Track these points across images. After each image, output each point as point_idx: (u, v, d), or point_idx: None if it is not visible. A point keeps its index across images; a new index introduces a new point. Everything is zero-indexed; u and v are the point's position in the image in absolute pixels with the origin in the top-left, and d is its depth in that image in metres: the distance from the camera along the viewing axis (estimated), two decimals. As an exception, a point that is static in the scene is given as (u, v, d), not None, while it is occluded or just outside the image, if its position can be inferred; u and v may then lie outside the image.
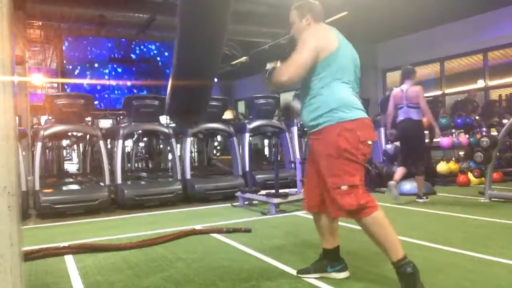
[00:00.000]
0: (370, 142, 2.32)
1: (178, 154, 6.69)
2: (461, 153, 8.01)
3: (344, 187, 2.25)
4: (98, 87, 13.01)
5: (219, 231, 3.91)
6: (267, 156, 10.77)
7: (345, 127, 2.26)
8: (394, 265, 2.21)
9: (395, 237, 2.22)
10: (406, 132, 5.36)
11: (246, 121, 7.32)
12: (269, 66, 2.42)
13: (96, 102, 12.08)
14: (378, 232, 2.23)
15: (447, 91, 10.94)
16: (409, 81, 5.37)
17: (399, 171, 5.40)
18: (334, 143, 2.27)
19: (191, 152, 8.95)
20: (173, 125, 7.38)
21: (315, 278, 2.53)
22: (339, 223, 2.63)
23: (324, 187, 2.37)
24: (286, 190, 5.52)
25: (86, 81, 12.52)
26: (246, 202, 5.67)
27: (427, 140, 6.34)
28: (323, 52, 2.29)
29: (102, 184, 5.96)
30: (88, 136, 8.24)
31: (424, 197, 5.45)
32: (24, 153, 6.75)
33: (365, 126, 2.31)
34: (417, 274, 2.16)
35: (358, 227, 2.39)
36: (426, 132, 6.03)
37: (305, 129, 8.75)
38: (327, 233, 2.54)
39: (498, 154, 5.56)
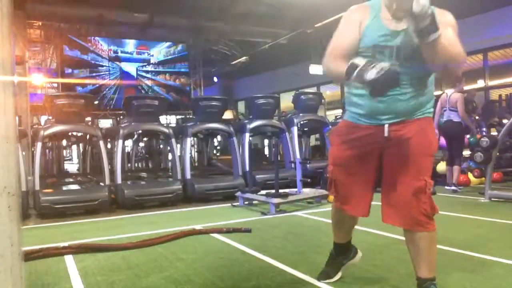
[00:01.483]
0: None
1: (178, 154, 6.69)
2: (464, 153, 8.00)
3: (431, 188, 2.01)
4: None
5: (219, 231, 3.91)
6: (267, 156, 10.78)
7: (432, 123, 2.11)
8: (424, 281, 2.02)
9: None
10: (447, 132, 6.31)
11: (246, 121, 7.32)
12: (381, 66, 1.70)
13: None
14: (434, 248, 2.04)
15: (447, 91, 10.93)
16: (455, 87, 6.32)
17: (456, 171, 6.13)
18: (433, 139, 2.07)
19: (191, 152, 8.96)
20: (173, 125, 7.37)
21: (335, 280, 2.44)
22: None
23: (405, 191, 1.98)
24: (286, 190, 5.52)
25: (86, 81, 12.52)
26: (246, 202, 5.67)
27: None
28: None
29: (102, 184, 5.96)
30: (88, 136, 8.25)
31: (458, 188, 6.12)
32: (24, 153, 6.75)
33: None
34: None
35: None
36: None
37: (305, 129, 8.80)
38: (348, 230, 2.39)
39: (498, 154, 5.56)
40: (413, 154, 1.99)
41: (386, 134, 2.01)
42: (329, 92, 14.64)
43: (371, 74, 1.68)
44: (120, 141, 6.11)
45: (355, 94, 2.08)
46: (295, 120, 7.65)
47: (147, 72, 13.61)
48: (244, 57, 14.34)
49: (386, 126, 2.01)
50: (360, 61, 1.74)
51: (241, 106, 17.02)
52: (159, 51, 13.81)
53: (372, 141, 2.06)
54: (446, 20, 1.90)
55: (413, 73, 1.94)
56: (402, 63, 1.89)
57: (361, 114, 2.07)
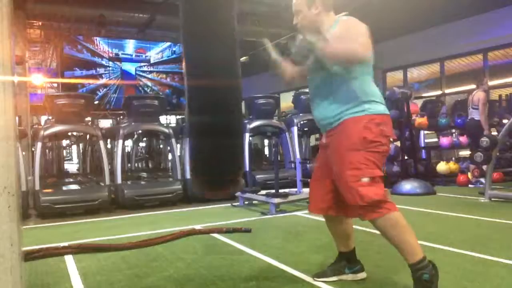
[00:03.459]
0: (391, 139, 2.26)
1: (178, 154, 6.69)
2: (461, 153, 8.02)
3: (365, 179, 2.11)
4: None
5: (219, 231, 3.91)
6: (267, 156, 10.77)
7: (372, 119, 2.17)
8: (410, 268, 2.11)
9: (412, 238, 2.12)
10: (469, 130, 6.74)
11: (246, 121, 7.32)
12: (309, 37, 2.13)
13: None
14: (391, 232, 2.12)
15: (447, 91, 10.94)
16: (478, 87, 6.65)
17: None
18: (359, 134, 2.15)
19: (191, 152, 8.92)
20: (173, 125, 7.38)
21: (333, 281, 2.46)
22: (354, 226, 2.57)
23: (341, 187, 2.20)
24: (286, 190, 5.52)
25: (86, 81, 12.51)
26: (246, 202, 5.67)
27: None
28: None
29: (102, 184, 5.96)
30: (88, 136, 8.25)
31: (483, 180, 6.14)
32: (24, 153, 6.75)
33: (389, 122, 2.26)
34: (435, 280, 2.08)
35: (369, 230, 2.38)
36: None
37: (305, 129, 8.80)
38: (341, 236, 2.48)
39: (498, 154, 5.56)
40: (336, 155, 2.22)
41: (324, 140, 2.37)
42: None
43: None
44: (120, 141, 6.11)
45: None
46: (295, 120, 7.65)
47: (146, 72, 13.61)
48: (244, 57, 14.34)
49: (324, 134, 2.37)
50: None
51: (241, 106, 16.97)
52: (159, 51, 13.81)
53: (322, 149, 2.41)
54: (335, 32, 2.20)
55: (324, 80, 2.26)
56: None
57: None
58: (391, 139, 2.28)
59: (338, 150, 2.21)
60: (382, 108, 2.24)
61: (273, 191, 5.31)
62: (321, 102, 2.30)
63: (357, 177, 2.12)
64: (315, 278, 2.51)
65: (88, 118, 8.22)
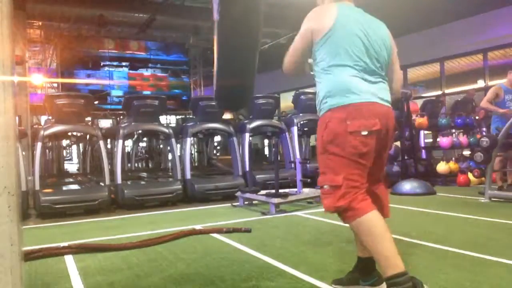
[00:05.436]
0: (365, 133, 1.91)
1: (178, 154, 6.69)
2: (464, 153, 8.01)
3: (326, 187, 1.98)
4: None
5: (219, 231, 3.91)
6: (267, 156, 10.77)
7: (333, 116, 1.96)
8: (385, 281, 1.86)
9: (386, 249, 1.85)
10: None
11: (246, 121, 7.32)
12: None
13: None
14: (364, 240, 1.93)
15: (447, 91, 10.95)
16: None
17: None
18: (320, 135, 2.01)
19: (191, 152, 8.96)
20: (173, 125, 7.38)
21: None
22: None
23: None
24: (286, 190, 5.52)
25: (86, 81, 12.53)
26: (246, 202, 5.67)
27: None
28: (315, 35, 2.03)
29: (102, 184, 5.96)
30: (88, 136, 8.25)
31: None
32: (24, 153, 6.76)
33: (358, 113, 1.92)
34: None
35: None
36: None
37: (305, 129, 8.80)
38: (358, 239, 2.20)
39: (498, 154, 5.56)
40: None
41: None
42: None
43: None
44: (120, 141, 6.11)
45: None
46: (295, 120, 7.65)
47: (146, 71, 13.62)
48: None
49: None
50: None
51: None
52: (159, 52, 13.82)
53: None
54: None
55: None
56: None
57: None
58: (364, 132, 1.92)
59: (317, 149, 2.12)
60: (349, 99, 1.94)
61: (273, 191, 5.31)
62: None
63: (321, 183, 2.01)
64: (333, 285, 2.34)
65: (88, 118, 8.22)
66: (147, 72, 14.64)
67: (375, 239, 1.87)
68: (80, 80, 12.38)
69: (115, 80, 13.87)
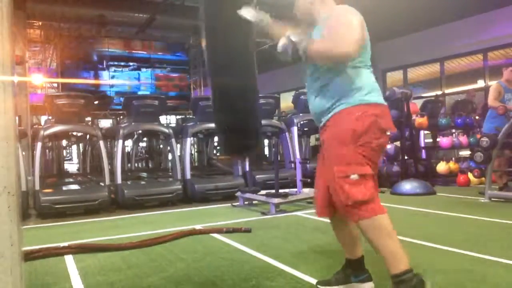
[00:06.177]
0: (388, 133, 2.04)
1: (178, 154, 6.69)
2: (461, 153, 8.01)
3: (353, 176, 1.96)
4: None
5: (219, 231, 3.91)
6: (267, 156, 10.77)
7: (369, 110, 2.00)
8: (391, 279, 1.94)
9: (396, 247, 1.93)
10: None
11: (246, 121, 7.30)
12: (294, 37, 1.99)
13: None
14: (375, 238, 1.95)
15: (447, 91, 10.95)
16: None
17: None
18: (349, 126, 1.99)
19: (191, 152, 8.96)
20: (173, 125, 7.38)
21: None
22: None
23: (330, 182, 2.06)
24: (286, 190, 5.52)
25: (85, 81, 12.53)
26: (246, 202, 5.67)
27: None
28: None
29: (102, 184, 5.96)
30: (88, 136, 8.25)
31: None
32: (24, 153, 6.75)
33: (386, 114, 2.07)
34: None
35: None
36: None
37: (305, 129, 8.80)
38: (347, 242, 2.28)
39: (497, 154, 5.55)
40: (328, 151, 2.10)
41: (321, 137, 2.20)
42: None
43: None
44: (120, 141, 6.11)
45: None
46: (295, 120, 7.65)
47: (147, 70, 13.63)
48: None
49: (319, 127, 2.19)
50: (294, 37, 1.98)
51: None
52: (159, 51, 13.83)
53: (321, 144, 2.23)
54: (328, 24, 2.04)
55: (316, 73, 2.12)
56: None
57: None
58: (388, 132, 2.08)
59: (330, 144, 2.08)
60: (377, 99, 2.07)
61: (273, 191, 5.31)
62: (315, 96, 2.16)
63: (345, 173, 1.98)
64: (318, 286, 2.37)
65: (88, 118, 8.23)
66: (174, 74, 14.84)
67: (385, 234, 1.94)
68: (80, 80, 12.38)
69: (115, 80, 13.87)
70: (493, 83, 6.05)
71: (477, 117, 7.84)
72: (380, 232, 1.95)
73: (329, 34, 1.98)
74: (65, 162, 11.22)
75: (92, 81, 12.64)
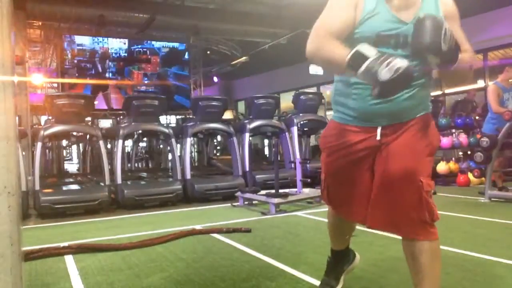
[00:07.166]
0: None
1: (178, 154, 6.69)
2: (461, 153, 8.01)
3: (431, 192, 1.73)
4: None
5: (219, 231, 3.91)
6: (267, 156, 10.78)
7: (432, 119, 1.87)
8: None
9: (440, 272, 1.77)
10: None
11: (246, 121, 7.32)
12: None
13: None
14: (432, 260, 1.72)
15: (447, 91, 10.94)
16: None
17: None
18: (434, 136, 1.80)
19: (191, 152, 8.96)
20: (173, 125, 7.38)
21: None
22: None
23: (406, 193, 1.71)
24: (286, 190, 5.52)
25: (85, 81, 12.52)
26: (246, 202, 5.67)
27: None
28: None
29: (102, 184, 5.96)
30: (88, 136, 8.25)
31: None
32: (24, 153, 6.75)
33: None
34: None
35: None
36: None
37: (305, 129, 8.80)
38: (347, 232, 2.22)
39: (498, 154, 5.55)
40: (409, 154, 1.73)
41: (378, 137, 1.77)
42: (329, 92, 14.64)
43: (385, 73, 1.39)
44: (120, 141, 6.11)
45: (345, 93, 1.82)
46: (295, 120, 7.65)
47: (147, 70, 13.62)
48: (244, 57, 14.34)
49: (379, 129, 1.77)
50: (368, 51, 1.45)
51: (241, 106, 17.03)
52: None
53: (364, 147, 1.81)
54: (453, 13, 1.74)
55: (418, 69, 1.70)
56: (407, 57, 1.55)
57: (351, 116, 1.81)
58: None
59: (410, 150, 1.74)
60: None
61: (273, 191, 5.31)
62: (403, 93, 1.68)
63: (431, 187, 1.72)
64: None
65: (88, 118, 8.22)
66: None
67: (440, 260, 1.77)
68: (80, 80, 12.37)
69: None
70: (490, 85, 6.03)
71: (477, 117, 7.84)
72: (438, 255, 1.76)
73: (460, 38, 1.66)
74: (65, 162, 11.22)
75: (92, 81, 12.63)
